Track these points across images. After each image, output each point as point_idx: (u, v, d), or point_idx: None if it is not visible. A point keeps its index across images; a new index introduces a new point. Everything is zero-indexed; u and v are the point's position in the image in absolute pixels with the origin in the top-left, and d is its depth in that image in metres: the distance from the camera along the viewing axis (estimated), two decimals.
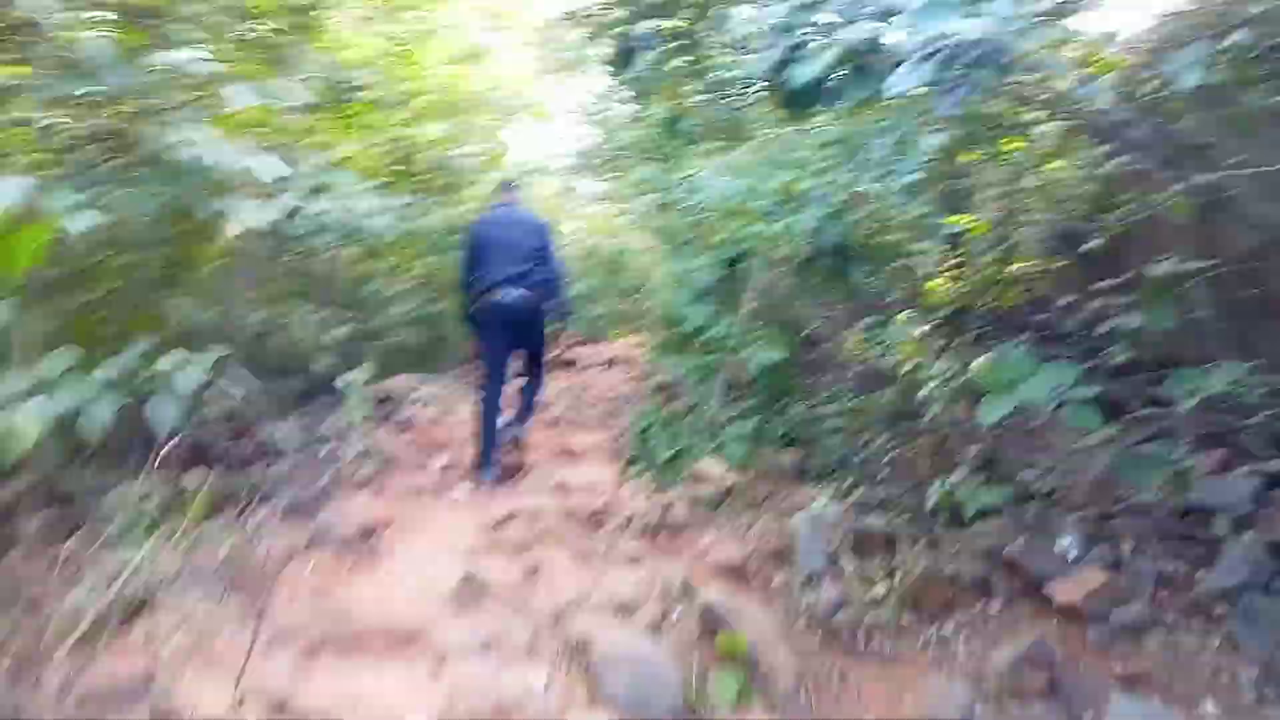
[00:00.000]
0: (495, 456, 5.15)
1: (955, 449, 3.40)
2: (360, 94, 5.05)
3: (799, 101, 1.90)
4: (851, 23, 1.83)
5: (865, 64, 1.83)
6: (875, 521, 3.40)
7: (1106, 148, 2.87)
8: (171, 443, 4.90)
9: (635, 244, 13.35)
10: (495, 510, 4.27)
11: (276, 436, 4.75)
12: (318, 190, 4.27)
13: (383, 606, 3.15)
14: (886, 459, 3.73)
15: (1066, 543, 3.17)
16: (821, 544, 3.40)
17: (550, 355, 5.75)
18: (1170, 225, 2.72)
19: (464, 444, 5.90)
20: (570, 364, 9.79)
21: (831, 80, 1.82)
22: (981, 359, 2.62)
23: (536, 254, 5.28)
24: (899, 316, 3.43)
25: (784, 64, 1.88)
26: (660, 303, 6.45)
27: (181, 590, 3.09)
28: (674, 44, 2.45)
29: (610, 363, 9.83)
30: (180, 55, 2.66)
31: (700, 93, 3.12)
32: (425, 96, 6.23)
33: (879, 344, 3.81)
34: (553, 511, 4.14)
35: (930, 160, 4.30)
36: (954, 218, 3.87)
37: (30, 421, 2.28)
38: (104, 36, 2.76)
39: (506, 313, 5.19)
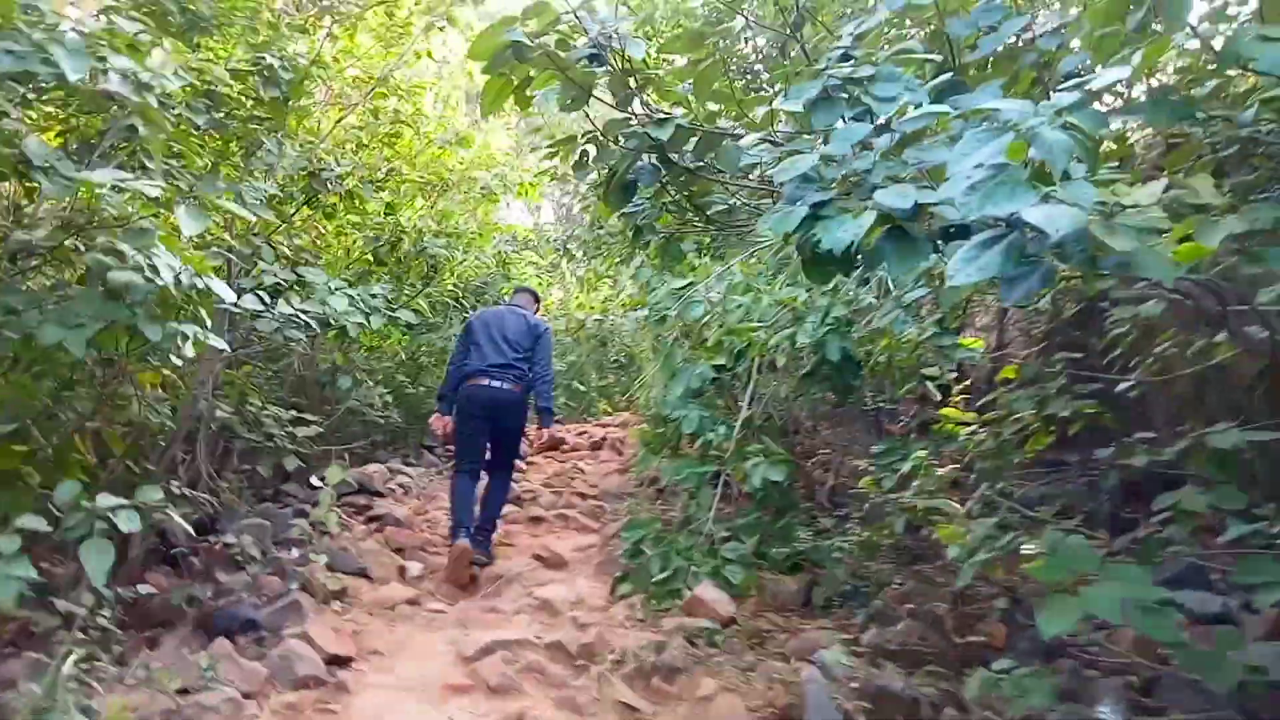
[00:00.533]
0: (470, 521, 5.11)
1: (985, 610, 3.10)
2: (337, 182, 4.81)
3: (826, 266, 1.64)
4: (893, 181, 1.59)
5: (907, 231, 1.58)
6: (894, 680, 3.07)
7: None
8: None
9: (622, 320, 13.18)
10: (474, 638, 3.91)
11: (242, 541, 4.38)
12: (287, 286, 3.99)
13: None
14: (902, 601, 3.42)
15: (1106, 712, 2.86)
16: (834, 705, 3.06)
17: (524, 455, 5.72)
18: (1216, 382, 2.50)
19: (439, 547, 5.55)
20: (555, 446, 9.45)
21: (866, 245, 1.57)
22: (1032, 545, 2.35)
23: (527, 352, 5.38)
24: (916, 454, 3.15)
25: (810, 221, 1.62)
26: (651, 396, 6.19)
27: None
28: (677, 177, 2.24)
29: (599, 445, 9.51)
30: (128, 175, 2.40)
31: (700, 222, 2.92)
32: (408, 180, 6.02)
33: (890, 471, 3.53)
34: (536, 644, 3.78)
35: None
36: (967, 341, 3.64)
37: None
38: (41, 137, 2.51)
39: (487, 400, 5.29)
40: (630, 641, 3.72)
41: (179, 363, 2.94)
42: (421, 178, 6.53)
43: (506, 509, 6.01)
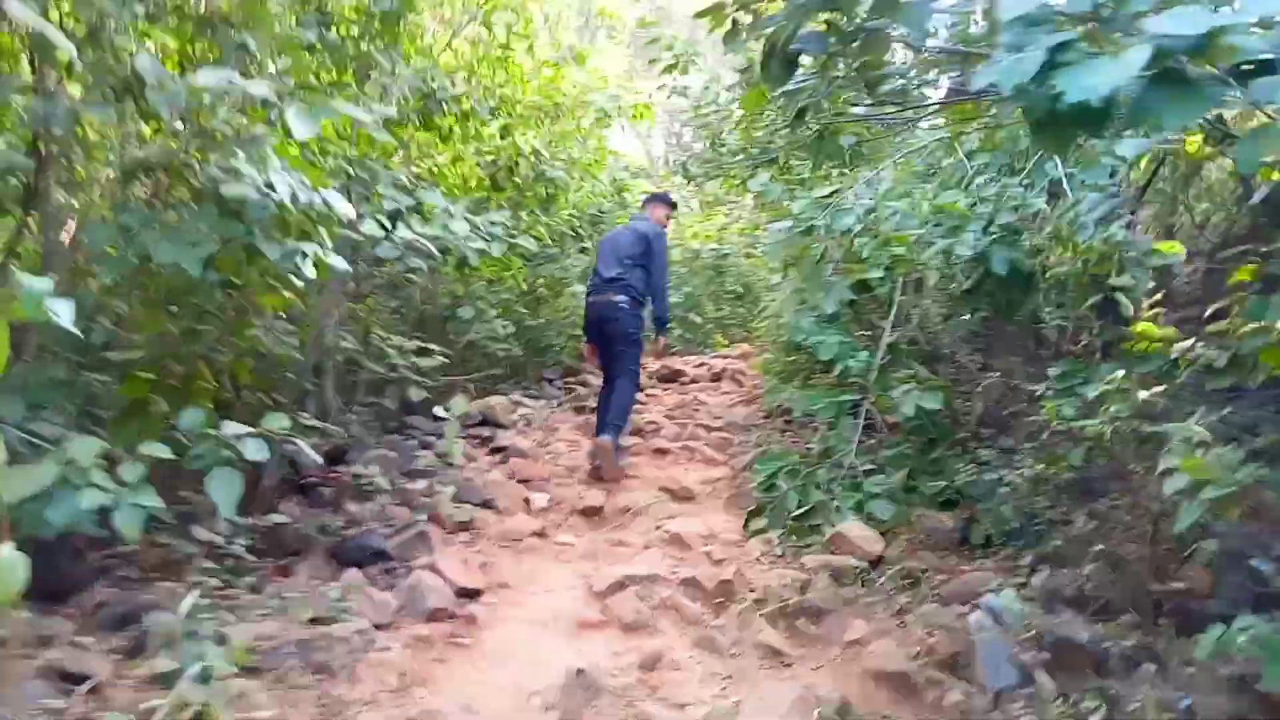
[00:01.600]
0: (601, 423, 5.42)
1: (1187, 553, 2.69)
2: (453, 104, 4.60)
3: (1067, 126, 1.27)
4: (1163, 9, 1.20)
5: (1182, 73, 1.20)
6: (1078, 629, 2.72)
7: None
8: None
9: (740, 248, 12.76)
10: (605, 572, 3.75)
11: (370, 471, 4.35)
12: (407, 212, 3.83)
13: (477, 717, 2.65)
14: (1083, 543, 3.03)
15: None
16: (1008, 652, 2.74)
17: (643, 368, 5.85)
18: None
19: (565, 477, 5.44)
20: (674, 378, 9.24)
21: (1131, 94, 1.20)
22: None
23: (634, 261, 5.47)
24: (1110, 375, 2.73)
25: (1047, 69, 1.25)
26: (779, 323, 5.84)
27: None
28: (849, 43, 1.89)
29: (718, 377, 9.23)
30: (236, 76, 2.21)
31: (865, 104, 2.57)
32: (522, 102, 5.76)
33: (1070, 396, 3.11)
34: (670, 580, 3.59)
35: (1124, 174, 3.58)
36: (1164, 245, 3.14)
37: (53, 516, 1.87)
38: (155, 53, 2.36)
39: (594, 315, 5.61)
40: (771, 579, 3.48)
41: (300, 284, 2.80)
42: (535, 102, 6.28)
43: (630, 441, 5.92)
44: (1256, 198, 3.37)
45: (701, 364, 10.21)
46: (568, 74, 6.48)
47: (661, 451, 5.94)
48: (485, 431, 6.23)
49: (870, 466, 4.17)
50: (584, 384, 8.28)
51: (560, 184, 5.96)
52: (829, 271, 3.80)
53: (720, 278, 12.18)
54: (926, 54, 2.45)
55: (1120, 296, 3.11)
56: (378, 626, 3.11)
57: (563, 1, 7.09)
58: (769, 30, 1.97)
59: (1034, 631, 2.81)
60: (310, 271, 2.65)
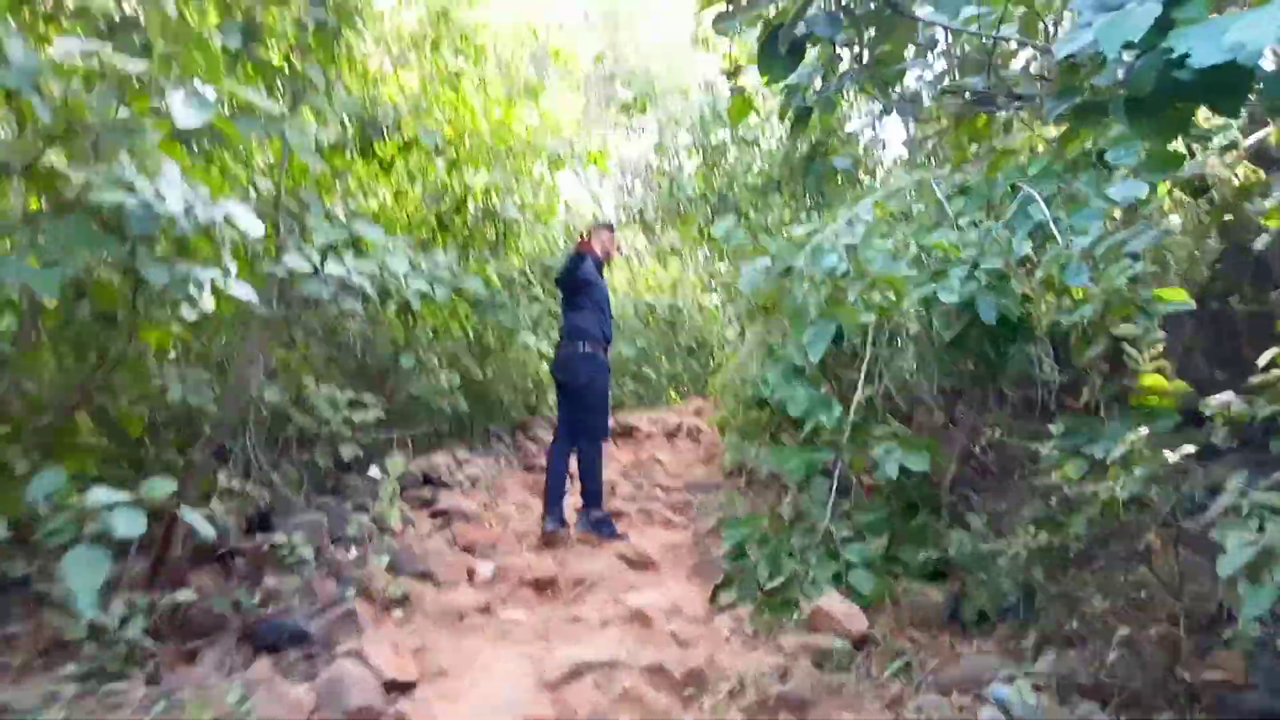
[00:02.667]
0: (558, 510, 5.03)
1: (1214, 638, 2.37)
2: (394, 131, 4.24)
3: (1198, 95, 0.96)
4: None
5: None
6: None
7: None
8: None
9: (694, 301, 12.54)
10: (557, 656, 3.30)
11: (293, 540, 3.85)
12: (342, 247, 3.44)
13: None
14: (1101, 622, 2.70)
15: None
16: None
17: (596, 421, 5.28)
18: None
19: (512, 543, 4.98)
20: (629, 434, 8.84)
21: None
22: None
23: (571, 298, 5.23)
24: (1136, 433, 2.43)
25: (1161, 28, 0.95)
26: (742, 377, 5.52)
27: None
28: (864, 28, 1.61)
29: (674, 434, 8.87)
30: (106, 48, 1.82)
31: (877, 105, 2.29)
32: (471, 139, 5.43)
33: (1076, 457, 2.81)
34: (632, 666, 3.16)
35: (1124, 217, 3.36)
36: (1166, 292, 2.89)
37: None
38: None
39: (556, 371, 5.35)
40: (746, 665, 3.07)
41: (191, 316, 2.36)
42: (485, 141, 5.95)
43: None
44: (1259, 244, 3.16)
45: (656, 419, 9.85)
46: (519, 113, 6.17)
47: (618, 514, 5.52)
48: (427, 492, 5.75)
49: (847, 533, 3.82)
50: (534, 439, 7.85)
51: (510, 225, 5.60)
52: (809, 317, 3.48)
53: (674, 331, 11.90)
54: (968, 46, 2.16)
55: (1126, 347, 2.83)
56: None
57: (515, 40, 6.81)
58: (770, 8, 1.66)
59: None
60: (209, 303, 2.23)
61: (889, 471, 3.58)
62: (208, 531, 2.17)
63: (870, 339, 4.11)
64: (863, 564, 3.64)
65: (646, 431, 8.97)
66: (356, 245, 3.64)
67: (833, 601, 3.42)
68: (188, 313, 2.24)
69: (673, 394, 12.87)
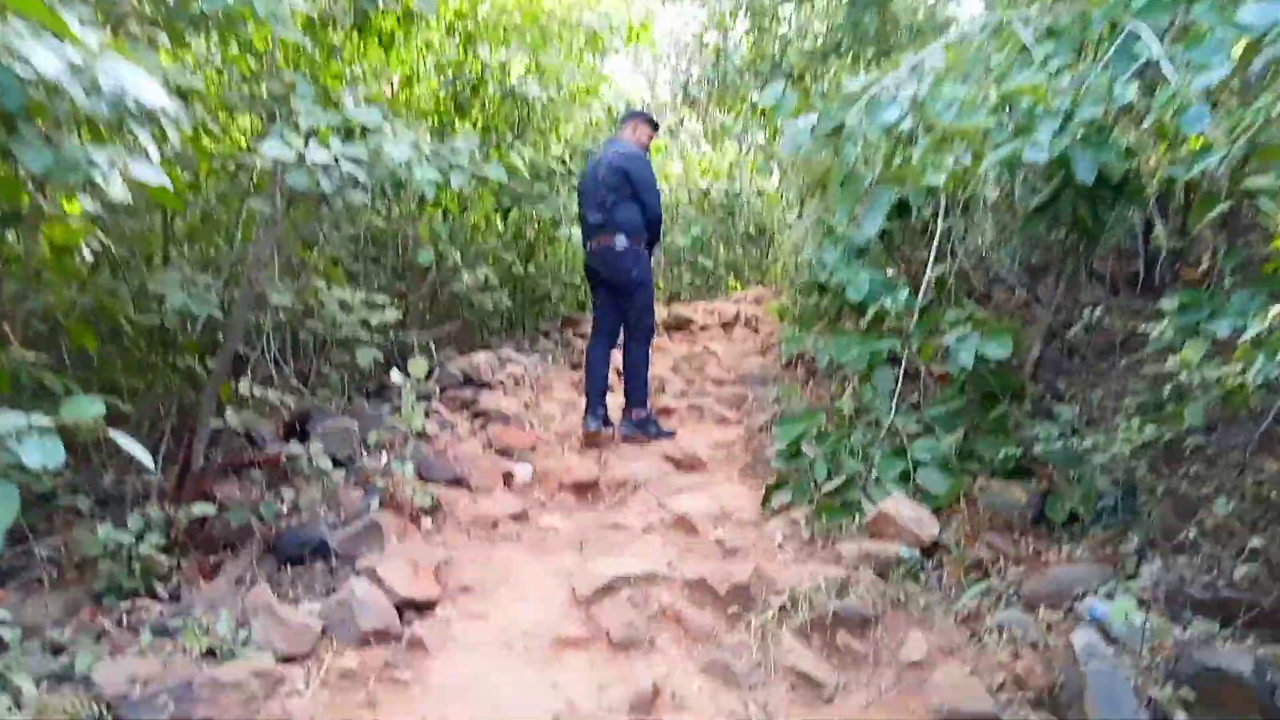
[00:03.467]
0: (601, 409, 4.77)
1: None
2: (394, 4, 3.75)
3: None
4: None
5: None
6: (1234, 655, 1.97)
7: None
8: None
9: (752, 185, 11.88)
10: (593, 568, 3.02)
11: (310, 449, 3.62)
12: (329, 132, 3.04)
13: None
14: (1213, 528, 2.26)
15: None
16: (1132, 687, 2.00)
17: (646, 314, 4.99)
18: None
19: (553, 444, 4.71)
20: (683, 326, 8.46)
21: None
22: None
23: (617, 196, 4.78)
24: (1270, 308, 1.93)
25: None
26: (799, 260, 5.04)
27: None
28: None
29: (731, 324, 8.45)
30: None
31: None
32: (493, 13, 4.88)
33: (1191, 337, 2.33)
34: (672, 579, 2.86)
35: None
36: None
37: None
38: None
39: (592, 264, 4.96)
40: (799, 576, 2.73)
41: (91, 208, 2.01)
42: (508, 15, 5.40)
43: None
44: None
45: (713, 310, 9.42)
46: None
47: (666, 411, 5.19)
48: (468, 393, 5.50)
49: (915, 428, 3.41)
50: (583, 336, 7.52)
51: (541, 108, 5.08)
52: (864, 185, 2.97)
53: (731, 218, 11.31)
54: None
55: (1264, 203, 2.29)
56: (287, 659, 2.41)
57: None
58: None
59: (1164, 654, 2.06)
60: (119, 190, 1.87)
61: (963, 360, 3.13)
62: (143, 457, 1.86)
63: (941, 209, 3.59)
64: (934, 462, 3.24)
65: (701, 323, 8.57)
66: (353, 132, 3.24)
67: (899, 504, 3.04)
68: (88, 204, 1.89)
69: (732, 283, 12.39)
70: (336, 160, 2.92)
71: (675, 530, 3.41)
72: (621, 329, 5.01)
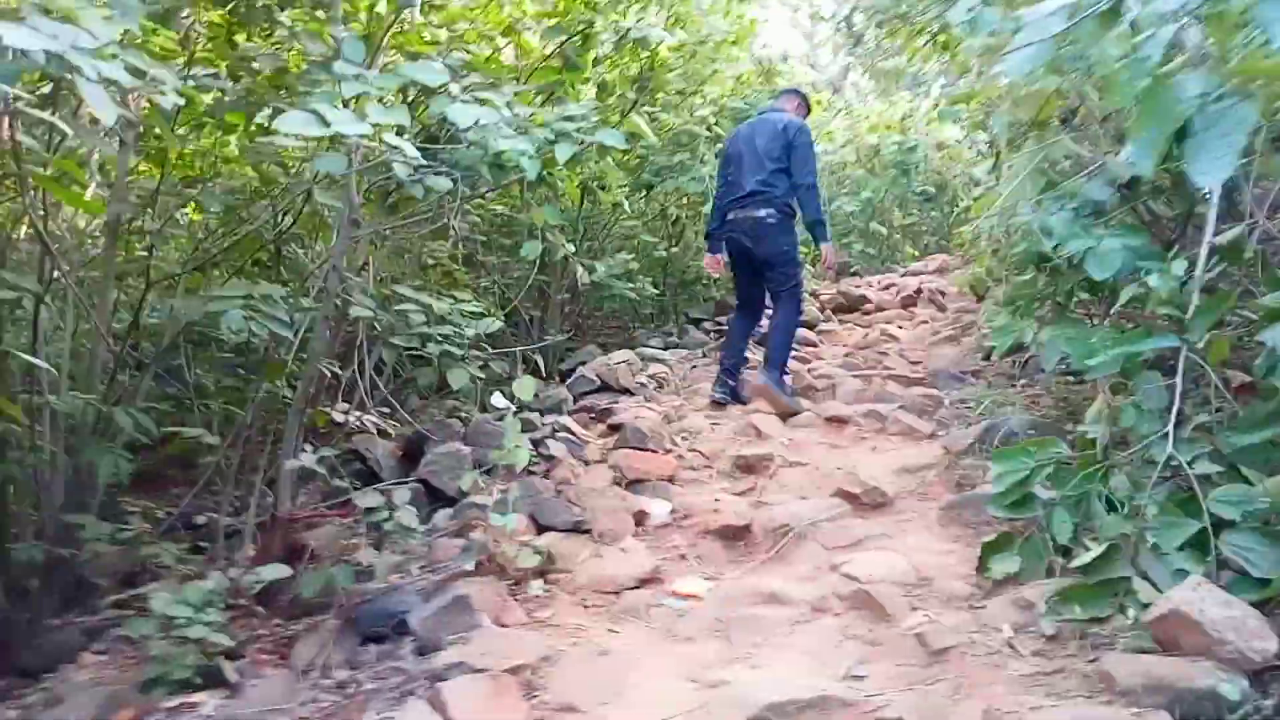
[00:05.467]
0: (730, 381, 4.79)
1: None
2: None
3: None
4: None
5: None
6: None
7: None
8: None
9: (929, 137, 10.53)
10: (739, 676, 2.18)
11: (396, 499, 2.96)
12: (374, 98, 2.33)
13: None
14: None
15: None
16: None
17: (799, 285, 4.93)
18: None
19: (697, 470, 3.90)
20: (854, 307, 7.41)
21: None
22: None
23: (779, 163, 4.66)
24: None
25: None
26: (999, 222, 3.94)
27: None
28: None
29: (912, 301, 7.32)
30: None
31: None
32: None
33: None
34: (853, 704, 1.97)
35: None
36: None
37: None
38: None
39: (737, 234, 4.80)
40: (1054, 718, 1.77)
41: None
42: None
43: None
44: None
45: (889, 285, 8.31)
46: None
47: (838, 421, 4.24)
48: (603, 401, 4.78)
49: (1211, 466, 2.32)
50: None
51: (659, 50, 4.20)
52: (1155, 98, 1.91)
53: (906, 177, 10.02)
54: None
55: None
56: None
57: None
58: None
59: None
60: None
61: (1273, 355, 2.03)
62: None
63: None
64: (1248, 522, 2.16)
65: (876, 301, 7.49)
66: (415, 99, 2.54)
67: (1201, 595, 1.99)
68: None
69: (909, 251, 11.10)
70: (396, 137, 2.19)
71: (855, 609, 2.51)
72: (769, 298, 4.93)
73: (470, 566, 2.82)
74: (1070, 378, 3.82)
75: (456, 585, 2.72)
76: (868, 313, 7.20)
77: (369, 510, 2.84)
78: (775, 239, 4.67)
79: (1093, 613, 2.20)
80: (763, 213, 4.62)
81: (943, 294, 7.26)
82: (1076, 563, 2.27)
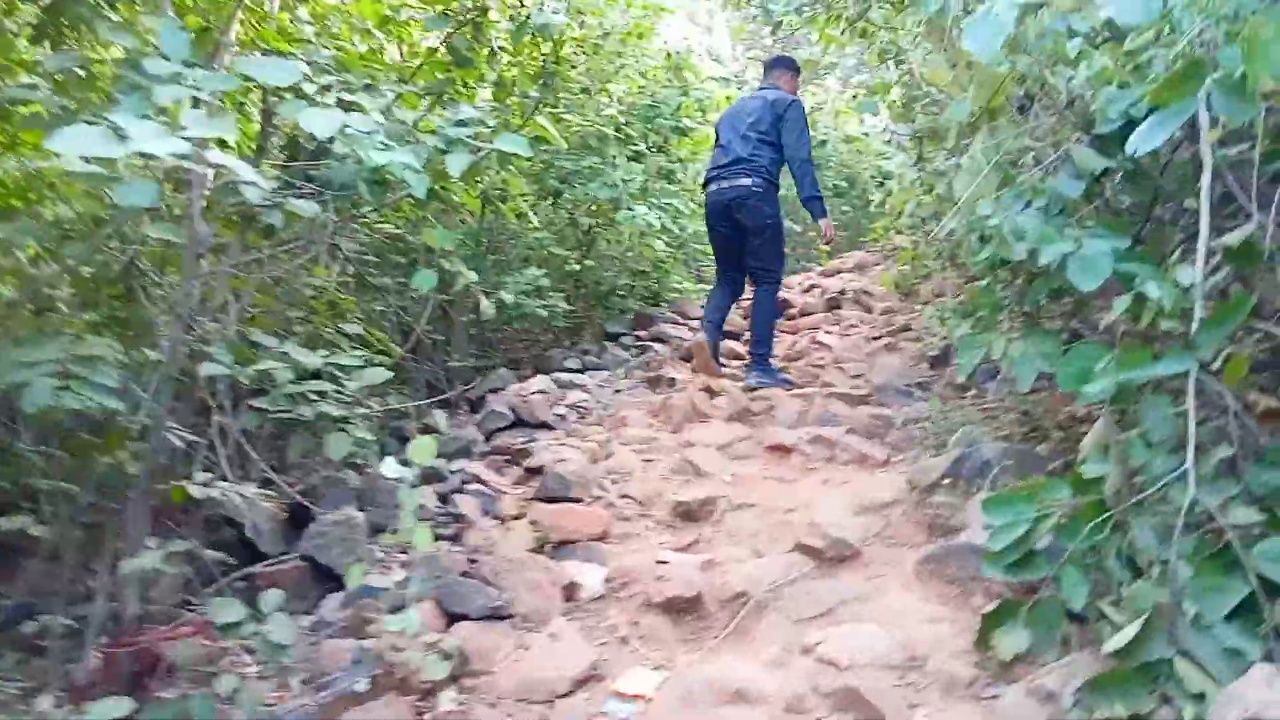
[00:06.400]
0: (716, 334, 5.03)
1: None
2: None
3: None
4: None
5: None
6: None
7: None
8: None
9: (836, 130, 10.33)
10: None
11: (257, 617, 2.37)
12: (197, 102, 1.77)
13: None
14: None
15: None
16: None
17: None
18: None
19: (632, 520, 3.41)
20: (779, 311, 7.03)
21: None
22: None
23: (765, 136, 4.80)
24: None
25: None
26: (961, 220, 3.58)
27: None
28: None
29: (836, 303, 7.00)
30: None
31: None
32: None
33: None
34: None
35: None
36: None
37: None
38: None
39: (717, 204, 4.91)
40: None
41: None
42: None
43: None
44: None
45: (810, 285, 8.01)
46: None
47: (782, 450, 3.82)
48: (519, 439, 4.25)
49: (1249, 514, 1.96)
50: (661, 338, 6.20)
51: (559, 37, 3.70)
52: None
53: (818, 171, 9.74)
54: None
55: None
56: None
57: None
58: None
59: None
60: None
61: None
62: None
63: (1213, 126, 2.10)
64: None
65: (800, 305, 7.15)
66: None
67: (1268, 684, 1.62)
68: None
69: (822, 247, 10.88)
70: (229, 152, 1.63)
71: (840, 710, 2.06)
72: (747, 279, 5.03)
73: (363, 687, 2.27)
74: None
75: (348, 715, 2.16)
76: (792, 318, 6.84)
77: (226, 626, 2.25)
78: (759, 207, 4.76)
79: (1133, 702, 1.81)
80: (747, 181, 4.73)
81: (868, 294, 6.97)
82: (1110, 646, 1.87)
